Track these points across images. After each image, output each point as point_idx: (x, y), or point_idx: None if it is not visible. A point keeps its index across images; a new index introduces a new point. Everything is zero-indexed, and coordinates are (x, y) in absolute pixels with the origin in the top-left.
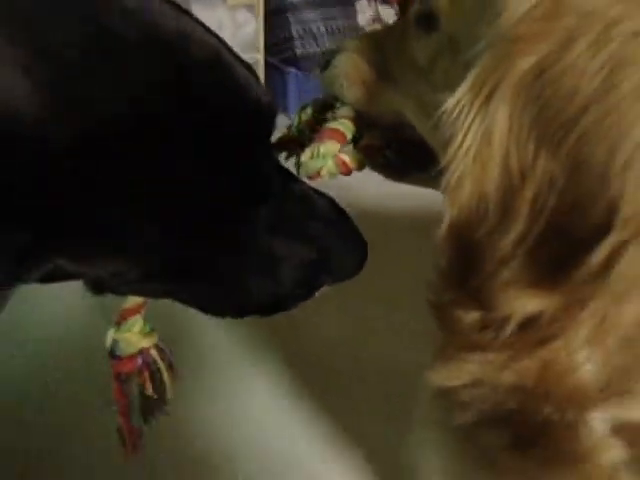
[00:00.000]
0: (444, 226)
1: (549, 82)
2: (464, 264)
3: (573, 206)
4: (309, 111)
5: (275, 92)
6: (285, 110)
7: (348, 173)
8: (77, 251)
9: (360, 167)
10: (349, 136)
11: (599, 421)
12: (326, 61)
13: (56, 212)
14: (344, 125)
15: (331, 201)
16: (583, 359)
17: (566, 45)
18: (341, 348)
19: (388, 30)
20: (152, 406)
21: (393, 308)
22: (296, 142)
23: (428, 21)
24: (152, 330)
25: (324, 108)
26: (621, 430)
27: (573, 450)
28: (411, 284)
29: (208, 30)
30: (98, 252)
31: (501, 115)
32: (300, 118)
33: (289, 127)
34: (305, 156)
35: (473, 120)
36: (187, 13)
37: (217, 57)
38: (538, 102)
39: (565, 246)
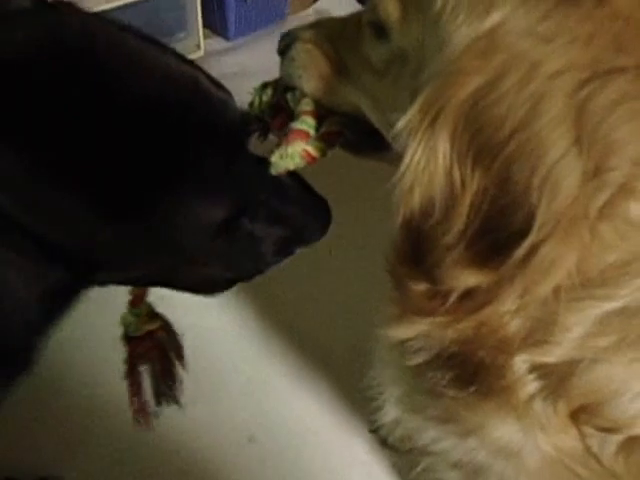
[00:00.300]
0: (399, 219)
1: (482, 111)
2: (416, 248)
3: (502, 212)
4: (269, 92)
5: (213, 17)
6: (225, 35)
7: (313, 162)
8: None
9: (323, 154)
10: (312, 132)
11: (520, 363)
12: (285, 45)
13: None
14: (306, 123)
15: (297, 178)
16: (509, 320)
17: (498, 79)
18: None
19: (343, 23)
20: (163, 388)
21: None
22: (257, 119)
23: (379, 30)
24: (157, 314)
25: (284, 90)
26: (536, 369)
27: (500, 384)
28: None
29: (188, 62)
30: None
31: (444, 136)
32: (261, 98)
33: (250, 104)
34: (275, 157)
35: (421, 139)
36: (174, 52)
37: (196, 84)
38: (473, 127)
39: (496, 241)
